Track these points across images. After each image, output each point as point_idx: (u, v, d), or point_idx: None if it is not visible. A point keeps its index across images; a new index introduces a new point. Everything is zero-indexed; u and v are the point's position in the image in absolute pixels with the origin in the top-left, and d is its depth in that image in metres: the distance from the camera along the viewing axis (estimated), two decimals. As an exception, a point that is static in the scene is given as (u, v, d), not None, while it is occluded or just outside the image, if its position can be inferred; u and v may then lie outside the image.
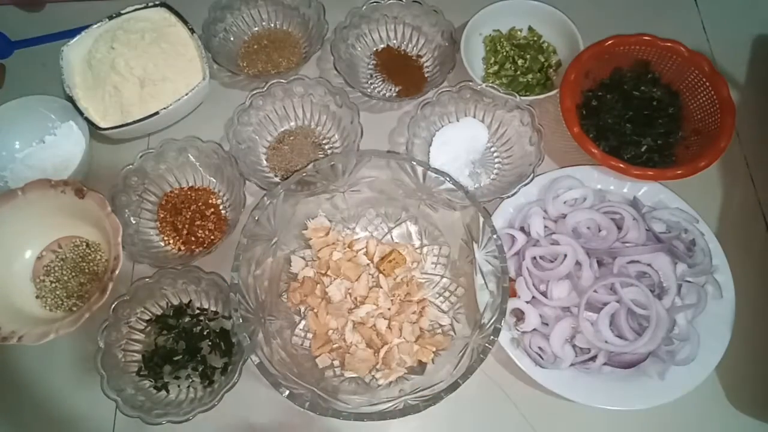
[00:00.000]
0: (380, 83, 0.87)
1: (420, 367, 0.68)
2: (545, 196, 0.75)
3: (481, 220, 0.64)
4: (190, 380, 0.69)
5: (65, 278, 0.74)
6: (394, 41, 0.90)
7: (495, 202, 0.76)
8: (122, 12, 0.82)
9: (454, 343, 0.68)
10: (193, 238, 0.76)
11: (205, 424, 0.64)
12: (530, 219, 0.73)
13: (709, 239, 0.72)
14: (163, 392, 0.68)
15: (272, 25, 0.92)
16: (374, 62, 0.89)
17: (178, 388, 0.69)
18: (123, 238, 0.67)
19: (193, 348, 0.70)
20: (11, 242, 0.73)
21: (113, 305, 0.67)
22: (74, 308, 0.73)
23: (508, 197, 0.74)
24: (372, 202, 0.75)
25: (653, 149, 0.78)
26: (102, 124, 0.77)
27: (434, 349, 0.68)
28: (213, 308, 0.73)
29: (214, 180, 0.80)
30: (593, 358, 0.67)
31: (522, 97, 0.77)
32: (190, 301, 0.73)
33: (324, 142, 0.83)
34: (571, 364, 0.67)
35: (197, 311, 0.72)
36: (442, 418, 0.69)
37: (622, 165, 0.73)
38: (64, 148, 0.80)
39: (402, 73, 0.87)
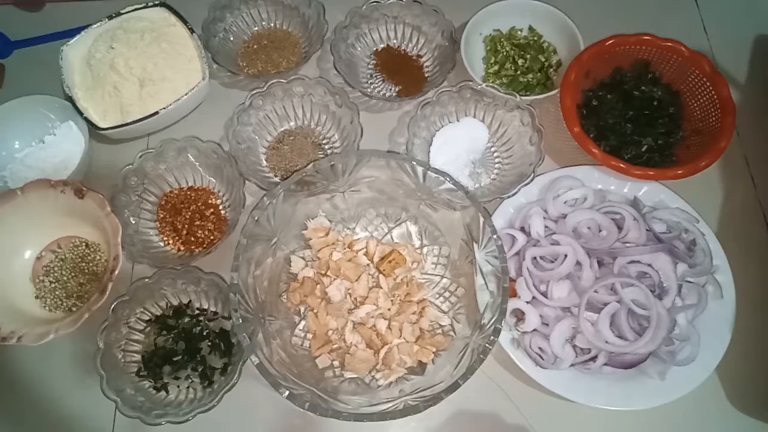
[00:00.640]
0: (380, 83, 0.87)
1: (420, 368, 0.68)
2: (545, 196, 0.75)
3: (482, 220, 0.64)
4: (190, 380, 0.69)
5: (65, 278, 0.74)
6: (394, 41, 0.90)
7: (495, 202, 0.75)
8: (122, 12, 0.82)
9: (454, 343, 0.68)
10: (192, 239, 0.76)
11: (205, 424, 0.64)
12: (530, 219, 0.73)
13: (709, 239, 0.72)
14: (163, 393, 0.68)
15: (272, 24, 0.92)
16: (374, 62, 0.89)
17: (178, 388, 0.68)
18: (122, 238, 0.67)
19: (192, 348, 0.69)
20: (11, 242, 0.73)
21: (113, 305, 0.67)
22: (74, 308, 0.73)
23: (509, 197, 0.74)
24: (372, 202, 0.75)
25: (654, 149, 0.78)
26: (101, 124, 0.77)
27: (434, 350, 0.68)
28: (213, 309, 0.73)
29: (213, 180, 0.80)
30: (593, 359, 0.67)
31: (522, 97, 0.77)
32: (190, 301, 0.73)
33: (324, 142, 0.83)
34: (572, 365, 0.67)
35: (197, 311, 0.72)
36: (442, 419, 0.69)
37: (622, 165, 0.73)
38: (64, 148, 0.80)
39: (402, 72, 0.87)
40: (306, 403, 0.57)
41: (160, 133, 0.83)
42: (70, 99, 0.77)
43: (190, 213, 0.77)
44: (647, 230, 0.71)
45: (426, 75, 0.87)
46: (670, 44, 0.78)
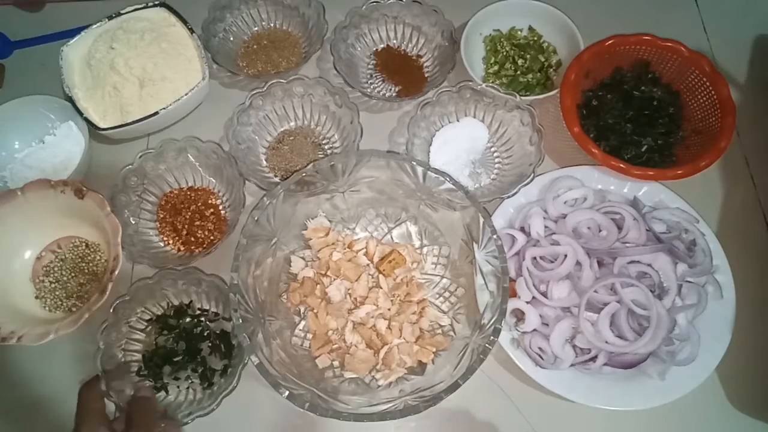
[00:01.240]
0: (380, 83, 0.87)
1: (420, 368, 0.68)
2: (545, 196, 0.75)
3: (481, 220, 0.64)
4: (190, 381, 0.69)
5: (65, 278, 0.74)
6: (394, 41, 0.90)
7: (495, 202, 0.75)
8: (122, 12, 0.82)
9: (454, 343, 0.68)
10: (192, 239, 0.76)
11: (204, 424, 0.64)
12: (530, 219, 0.73)
13: (709, 239, 0.72)
14: (162, 393, 0.67)
15: (272, 24, 0.92)
16: (374, 62, 0.89)
17: (178, 389, 0.68)
18: (122, 238, 0.67)
19: (193, 349, 0.69)
20: (11, 242, 0.73)
21: (114, 305, 0.67)
22: (74, 308, 0.73)
23: (509, 197, 0.74)
24: (372, 203, 0.75)
25: (653, 149, 0.78)
26: (101, 124, 0.77)
27: (434, 350, 0.68)
28: (213, 309, 0.73)
29: (213, 180, 0.80)
30: (593, 359, 0.67)
31: (522, 97, 0.77)
32: (191, 301, 0.73)
33: (324, 142, 0.83)
34: (572, 365, 0.67)
35: (198, 312, 0.72)
36: (443, 419, 0.69)
37: (622, 165, 0.73)
38: (64, 148, 0.80)
39: (402, 72, 0.87)
40: (306, 403, 0.57)
41: (160, 133, 0.83)
42: (70, 99, 0.77)
43: (190, 213, 0.77)
44: (647, 230, 0.71)
45: (426, 75, 0.87)
46: (670, 44, 0.78)
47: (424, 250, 0.75)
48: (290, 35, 0.91)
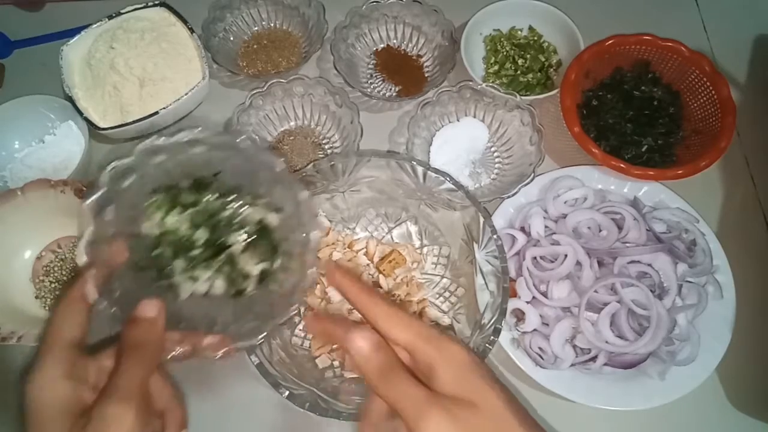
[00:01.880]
0: (380, 83, 0.87)
1: (420, 368, 0.68)
2: (546, 196, 0.75)
3: (482, 220, 0.64)
4: (210, 288, 0.48)
5: (65, 278, 0.74)
6: (394, 41, 0.90)
7: (495, 202, 0.75)
8: (122, 11, 0.82)
9: (454, 343, 0.68)
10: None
11: (203, 424, 0.64)
12: (531, 219, 0.73)
13: (709, 239, 0.72)
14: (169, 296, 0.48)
15: (272, 24, 0.92)
16: (374, 62, 0.89)
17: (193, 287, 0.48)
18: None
19: (217, 241, 0.47)
20: (10, 242, 0.73)
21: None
22: (74, 308, 0.73)
23: (509, 197, 0.74)
24: (372, 202, 0.75)
25: (654, 149, 0.78)
26: (101, 124, 0.77)
27: (434, 350, 0.68)
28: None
29: (213, 180, 0.80)
30: (594, 359, 0.67)
31: (522, 97, 0.77)
32: (219, 172, 0.50)
33: (324, 142, 0.83)
34: (572, 365, 0.67)
35: (229, 187, 0.49)
36: (442, 419, 0.69)
37: (622, 165, 0.73)
38: (64, 147, 0.80)
39: (402, 72, 0.87)
40: (306, 403, 0.57)
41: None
42: (70, 99, 0.77)
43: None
44: (647, 230, 0.71)
45: (426, 75, 0.87)
46: (670, 44, 0.78)
47: (424, 250, 0.75)
48: (290, 35, 0.91)
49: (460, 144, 0.80)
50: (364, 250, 0.73)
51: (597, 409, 0.65)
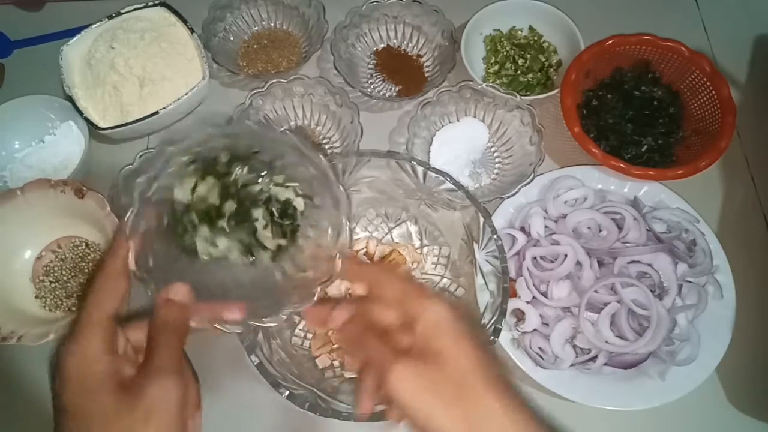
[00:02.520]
0: (380, 83, 0.87)
1: (420, 368, 0.68)
2: (546, 196, 0.75)
3: (482, 220, 0.64)
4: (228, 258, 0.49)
5: (65, 278, 0.74)
6: (394, 41, 0.90)
7: (495, 202, 0.75)
8: (122, 11, 0.82)
9: (454, 343, 0.68)
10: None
11: (203, 425, 0.63)
12: (531, 219, 0.73)
13: (709, 239, 0.72)
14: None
15: (272, 24, 0.92)
16: (374, 62, 0.89)
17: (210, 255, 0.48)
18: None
19: (244, 214, 0.48)
20: (10, 242, 0.73)
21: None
22: (74, 308, 0.73)
23: (509, 197, 0.74)
24: (372, 202, 0.75)
25: (654, 149, 0.78)
26: (101, 124, 0.77)
27: (434, 350, 0.68)
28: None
29: (213, 180, 0.80)
30: (594, 359, 0.67)
31: (522, 97, 0.77)
32: (257, 151, 0.50)
33: (324, 142, 0.83)
34: (572, 365, 0.67)
35: (263, 163, 0.49)
36: (442, 419, 0.69)
37: (622, 165, 0.73)
38: (64, 147, 0.80)
39: (402, 72, 0.87)
40: (306, 403, 0.57)
41: (160, 133, 0.83)
42: (70, 99, 0.77)
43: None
44: (647, 230, 0.71)
45: (426, 75, 0.87)
46: (670, 44, 0.78)
47: (424, 249, 0.75)
48: (290, 35, 0.91)
49: (460, 144, 0.80)
50: (364, 249, 0.73)
51: (597, 409, 0.65)
